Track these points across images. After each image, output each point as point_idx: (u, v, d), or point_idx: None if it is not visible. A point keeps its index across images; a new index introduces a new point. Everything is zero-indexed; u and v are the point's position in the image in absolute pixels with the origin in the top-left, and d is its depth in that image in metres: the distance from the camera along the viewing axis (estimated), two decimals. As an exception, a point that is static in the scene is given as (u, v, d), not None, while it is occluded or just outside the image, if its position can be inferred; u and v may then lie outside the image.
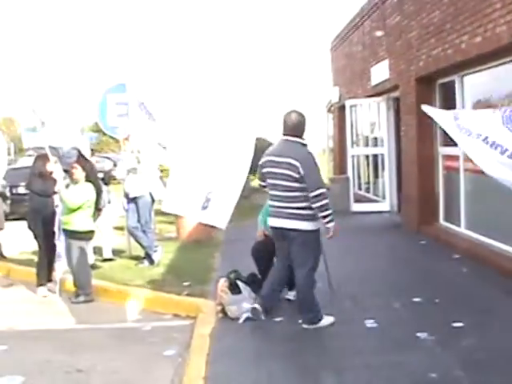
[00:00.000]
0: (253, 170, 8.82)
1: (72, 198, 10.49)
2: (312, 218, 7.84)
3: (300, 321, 7.99)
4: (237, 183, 8.65)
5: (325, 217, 7.76)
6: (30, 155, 31.16)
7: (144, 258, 12.59)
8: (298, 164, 7.69)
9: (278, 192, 7.86)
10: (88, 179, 10.71)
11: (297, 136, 7.95)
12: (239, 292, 8.53)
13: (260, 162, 8.19)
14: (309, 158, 7.84)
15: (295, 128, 7.97)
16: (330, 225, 7.81)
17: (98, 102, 14.07)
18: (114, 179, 16.91)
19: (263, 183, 8.31)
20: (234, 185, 8.63)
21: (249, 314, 8.27)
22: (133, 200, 12.59)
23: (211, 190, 8.58)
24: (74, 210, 10.51)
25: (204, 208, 8.44)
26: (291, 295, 9.05)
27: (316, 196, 7.65)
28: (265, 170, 8.12)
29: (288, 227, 7.87)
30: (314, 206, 7.72)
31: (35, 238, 11.27)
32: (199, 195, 8.59)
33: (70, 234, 10.62)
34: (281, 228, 7.96)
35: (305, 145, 8.02)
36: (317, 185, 7.71)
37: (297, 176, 7.71)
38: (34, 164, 11.48)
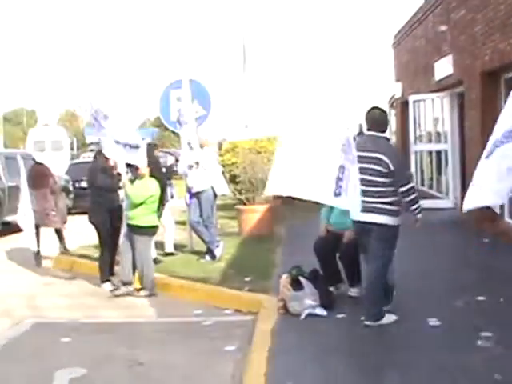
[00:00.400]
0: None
1: (136, 193, 10.52)
2: (395, 214, 7.79)
3: (362, 318, 7.85)
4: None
5: (415, 209, 7.88)
6: (92, 150, 31.62)
7: (206, 252, 12.57)
8: (386, 159, 7.66)
9: (362, 187, 7.74)
10: (152, 174, 10.73)
11: (381, 131, 7.97)
12: (301, 288, 8.42)
13: None
14: (397, 152, 8.04)
15: (379, 123, 8.00)
16: (420, 215, 7.93)
17: (160, 96, 14.11)
18: (176, 174, 16.98)
19: None
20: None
21: (311, 311, 8.19)
22: (195, 195, 12.58)
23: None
24: (139, 205, 10.53)
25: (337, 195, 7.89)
26: (354, 292, 8.95)
27: (407, 190, 7.75)
28: None
29: (371, 221, 7.77)
30: (405, 199, 7.81)
31: (98, 232, 11.32)
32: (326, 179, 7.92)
33: (135, 229, 10.63)
34: (364, 222, 7.86)
35: (388, 139, 8.15)
36: (407, 179, 7.87)
37: (385, 171, 7.68)
38: (95, 159, 11.56)
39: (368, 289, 8.02)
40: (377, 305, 7.86)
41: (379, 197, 7.72)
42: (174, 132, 15.87)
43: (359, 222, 7.93)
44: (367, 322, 7.77)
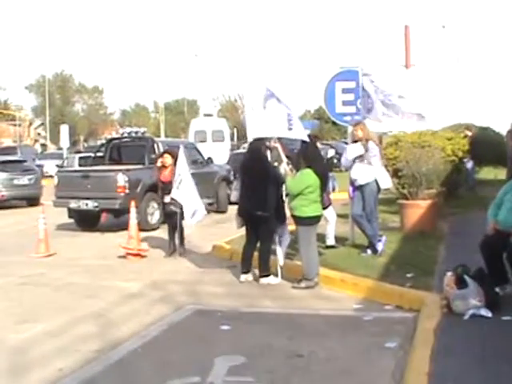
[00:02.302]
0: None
1: (291, 185, 10.66)
2: None
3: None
4: None
5: None
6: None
7: (367, 247, 12.50)
8: None
9: None
10: (308, 165, 10.75)
11: None
12: (466, 287, 8.22)
13: None
14: None
15: None
16: None
17: (325, 88, 14.11)
18: (337, 167, 16.99)
19: None
20: None
21: (475, 311, 7.99)
22: (359, 188, 12.52)
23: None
24: (297, 196, 10.65)
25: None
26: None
27: None
28: None
29: None
30: None
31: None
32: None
33: (296, 220, 10.78)
34: None
35: None
36: None
37: None
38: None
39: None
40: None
41: None
42: (334, 124, 15.89)
43: None
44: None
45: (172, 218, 14.21)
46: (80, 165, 33.33)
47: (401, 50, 23.28)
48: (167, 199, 14.02)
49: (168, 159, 14.35)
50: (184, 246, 14.27)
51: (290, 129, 11.21)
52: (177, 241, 14.14)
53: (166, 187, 14.04)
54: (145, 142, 20.07)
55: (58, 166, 37.26)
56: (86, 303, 10.21)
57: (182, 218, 13.89)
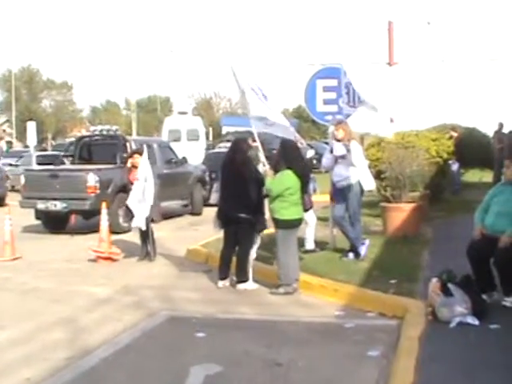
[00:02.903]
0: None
1: (271, 186, 10.65)
2: None
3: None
4: None
5: None
6: (228, 140, 31.91)
7: (349, 251, 12.51)
8: None
9: None
10: (288, 166, 10.74)
11: None
12: (452, 294, 8.25)
13: None
14: None
15: None
16: None
17: (306, 86, 14.12)
18: (316, 168, 16.96)
19: None
20: None
21: (461, 319, 8.02)
22: (341, 190, 12.51)
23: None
24: (276, 198, 10.66)
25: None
26: (509, 301, 8.72)
27: None
28: None
29: None
30: None
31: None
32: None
33: (275, 223, 10.77)
34: None
35: None
36: None
37: None
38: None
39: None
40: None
41: None
42: (314, 123, 15.91)
43: None
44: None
45: None
46: (38, 163, 33.02)
47: (384, 46, 23.25)
48: None
49: (138, 159, 14.16)
50: (155, 250, 14.19)
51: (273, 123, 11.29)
52: (148, 245, 14.05)
53: None
54: (116, 141, 19.96)
55: (11, 165, 36.36)
56: (54, 309, 10.11)
57: (152, 220, 13.88)
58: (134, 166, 14.23)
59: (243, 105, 11.60)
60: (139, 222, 13.74)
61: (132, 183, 14.15)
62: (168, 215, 13.36)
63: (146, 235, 14.00)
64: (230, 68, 11.07)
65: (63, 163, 22.12)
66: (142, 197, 13.71)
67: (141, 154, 14.31)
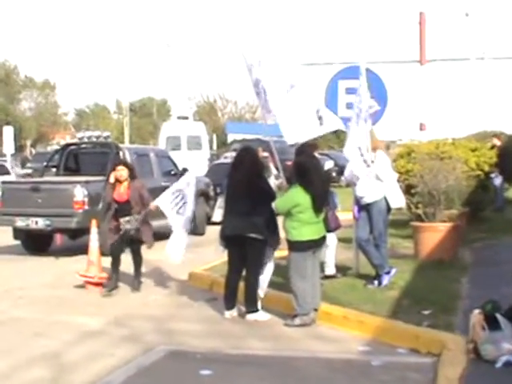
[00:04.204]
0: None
1: (278, 203, 10.64)
2: None
3: None
4: None
5: None
6: (235, 150, 31.81)
7: (375, 277, 12.46)
8: None
9: None
10: (300, 182, 10.68)
11: None
12: (499, 328, 8.19)
13: None
14: None
15: None
16: None
17: (326, 87, 14.10)
18: (335, 182, 16.91)
19: None
20: None
21: (510, 358, 7.94)
22: (365, 207, 12.48)
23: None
24: (286, 217, 10.66)
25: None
26: None
27: None
28: None
29: None
30: None
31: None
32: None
33: (287, 244, 10.73)
34: None
35: None
36: None
37: None
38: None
39: None
40: None
41: None
42: (335, 131, 15.85)
43: None
44: None
45: (131, 244, 13.89)
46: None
47: (414, 42, 23.18)
48: (126, 224, 13.59)
49: (123, 172, 13.70)
50: (140, 279, 14.00)
51: (321, 123, 11.13)
52: (133, 272, 13.90)
53: (123, 208, 13.62)
54: (108, 149, 19.81)
55: None
56: (36, 343, 10.10)
57: (142, 243, 13.80)
58: (119, 181, 13.73)
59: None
60: (175, 252, 13.04)
61: (117, 201, 13.68)
62: (167, 236, 13.19)
63: (133, 260, 13.87)
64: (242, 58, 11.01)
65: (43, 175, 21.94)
66: (181, 207, 13.04)
67: (125, 165, 14.08)
